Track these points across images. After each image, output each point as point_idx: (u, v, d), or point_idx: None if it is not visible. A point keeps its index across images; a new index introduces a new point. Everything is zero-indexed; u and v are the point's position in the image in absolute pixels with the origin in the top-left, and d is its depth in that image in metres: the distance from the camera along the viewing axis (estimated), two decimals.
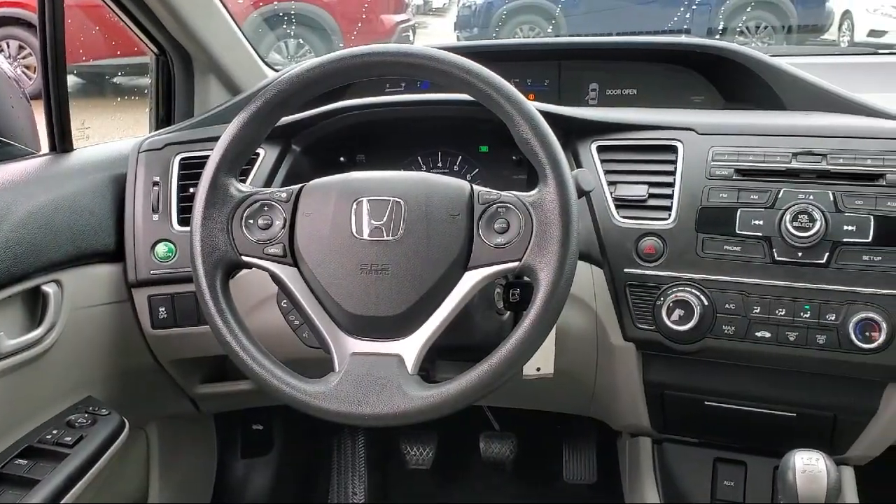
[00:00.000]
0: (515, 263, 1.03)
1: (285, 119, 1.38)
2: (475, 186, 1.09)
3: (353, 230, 1.06)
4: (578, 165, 1.35)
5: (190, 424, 1.83)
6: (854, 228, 1.18)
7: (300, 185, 1.12)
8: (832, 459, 1.13)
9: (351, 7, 6.26)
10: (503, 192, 1.07)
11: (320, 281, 1.06)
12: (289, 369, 1.06)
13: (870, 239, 1.17)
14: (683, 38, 1.63)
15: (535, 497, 2.04)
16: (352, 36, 5.87)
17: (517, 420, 2.01)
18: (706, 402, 1.35)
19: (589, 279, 1.32)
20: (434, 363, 1.31)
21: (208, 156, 1.10)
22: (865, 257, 1.18)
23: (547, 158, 1.03)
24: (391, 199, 1.07)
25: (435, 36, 9.06)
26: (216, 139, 1.11)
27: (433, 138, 1.52)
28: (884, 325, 1.16)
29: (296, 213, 1.10)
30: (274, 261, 1.09)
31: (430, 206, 1.06)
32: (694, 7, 6.03)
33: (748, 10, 6.63)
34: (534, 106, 1.06)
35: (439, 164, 1.53)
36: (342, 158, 1.54)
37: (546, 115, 1.11)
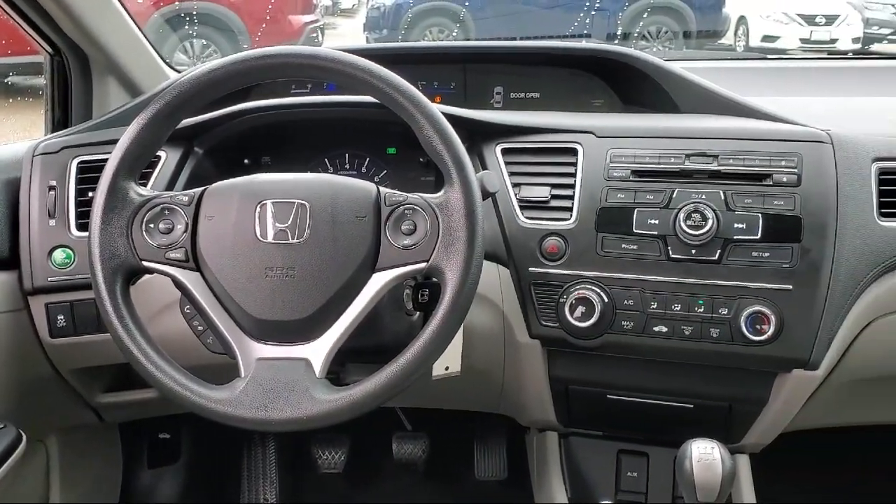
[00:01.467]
0: (423, 265, 1.04)
1: (187, 121, 1.35)
2: (381, 188, 1.09)
3: (257, 233, 1.05)
4: (484, 167, 1.37)
5: (93, 435, 1.78)
6: (744, 226, 1.24)
7: (202, 188, 1.11)
8: (727, 448, 1.18)
9: (258, 7, 6.17)
10: (409, 194, 1.08)
11: (224, 285, 1.05)
12: (193, 376, 1.05)
13: (758, 236, 1.23)
14: (583, 44, 1.68)
15: (446, 496, 2.06)
16: (258, 37, 5.78)
17: (429, 420, 2.02)
18: (608, 396, 1.39)
19: (496, 279, 1.34)
20: (344, 366, 1.32)
21: (107, 159, 1.08)
22: (754, 253, 1.24)
23: (452, 161, 1.05)
24: (296, 201, 1.06)
25: (344, 37, 9.01)
26: (115, 142, 1.08)
27: (340, 140, 1.52)
28: (772, 318, 1.22)
29: (198, 216, 1.08)
30: (176, 266, 1.07)
31: (336, 209, 1.06)
32: (593, 13, 6.18)
33: (644, 16, 6.83)
34: (438, 108, 1.08)
35: (347, 166, 1.53)
36: (247, 161, 1.52)
37: (451, 117, 1.13)
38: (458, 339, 1.29)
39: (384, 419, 2.00)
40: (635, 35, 7.05)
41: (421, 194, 1.08)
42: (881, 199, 1.28)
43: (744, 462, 1.43)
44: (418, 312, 1.24)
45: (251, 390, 1.02)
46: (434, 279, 1.08)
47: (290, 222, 1.06)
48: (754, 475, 1.44)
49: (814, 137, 1.29)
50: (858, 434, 1.66)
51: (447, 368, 1.32)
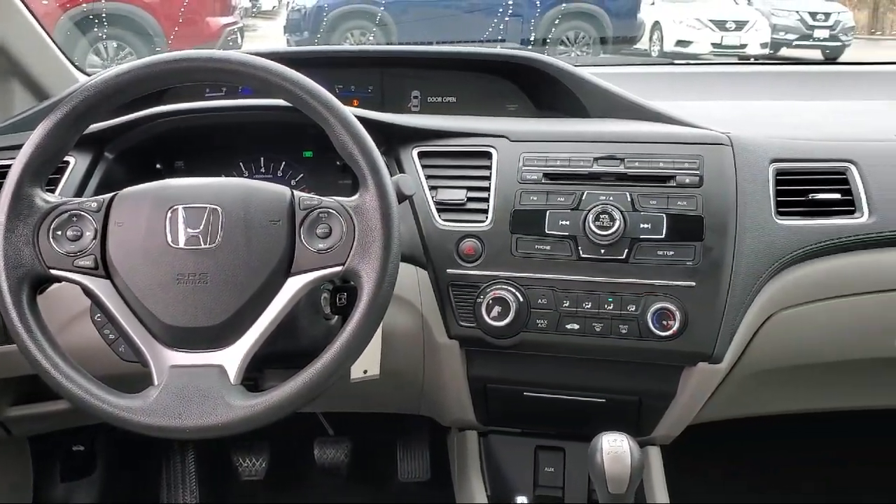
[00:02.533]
0: (339, 268, 1.05)
1: (96, 125, 1.33)
2: (296, 192, 1.10)
3: (169, 239, 1.04)
4: (401, 170, 1.39)
5: (1, 450, 1.72)
6: (649, 226, 1.28)
7: (112, 194, 1.09)
8: (636, 440, 1.22)
9: (174, 9, 6.04)
10: (324, 198, 1.09)
11: (135, 293, 1.04)
12: (104, 385, 1.03)
13: (663, 235, 1.28)
14: (496, 50, 1.71)
15: (368, 499, 2.06)
16: (174, 39, 5.66)
17: (351, 424, 2.02)
18: (525, 393, 1.42)
19: (414, 280, 1.36)
20: (262, 372, 1.31)
21: (10, 165, 1.05)
22: (660, 252, 1.28)
23: (366, 164, 1.06)
24: (208, 206, 1.06)
25: (265, 39, 8.90)
26: (20, 147, 1.05)
27: (255, 144, 1.51)
28: (677, 314, 1.26)
29: (107, 223, 1.06)
30: (85, 273, 1.05)
31: (249, 213, 1.06)
32: (507, 19, 6.27)
33: (556, 22, 6.96)
34: (353, 112, 1.09)
35: (262, 170, 1.53)
36: (159, 165, 1.49)
37: (367, 121, 1.14)
38: (376, 341, 1.30)
39: (305, 424, 1.99)
40: (554, 40, 7.18)
41: (336, 198, 1.09)
42: (778, 199, 1.34)
43: (655, 454, 1.48)
44: (336, 316, 1.24)
45: (165, 398, 1.01)
46: (351, 282, 1.09)
47: (201, 227, 1.05)
48: (665, 467, 1.50)
49: (714, 140, 1.34)
50: (764, 424, 1.74)
51: (366, 371, 1.32)
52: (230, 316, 1.04)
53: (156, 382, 1.03)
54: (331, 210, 1.07)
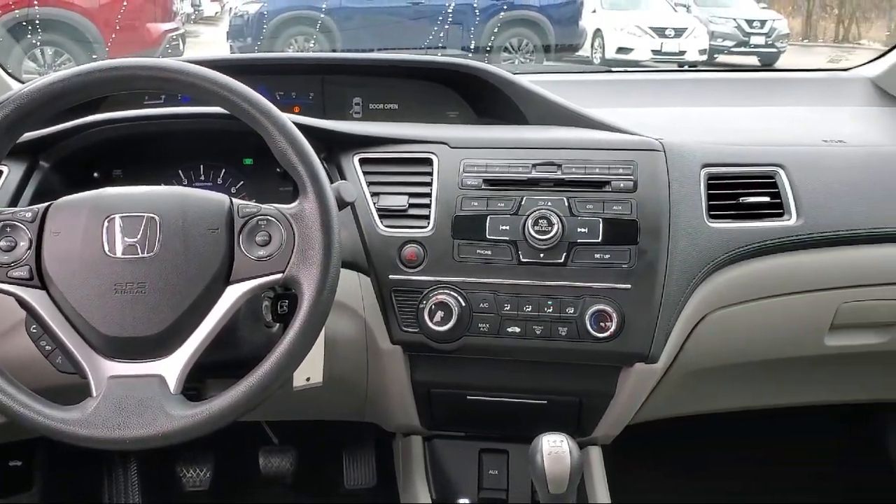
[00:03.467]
0: (278, 275, 1.05)
1: (31, 134, 1.31)
2: (234, 200, 1.10)
3: (106, 248, 1.03)
4: (342, 177, 1.39)
5: None
6: (586, 230, 1.31)
7: (47, 204, 1.07)
8: (576, 441, 1.24)
9: (113, 15, 5.93)
10: (263, 205, 1.09)
11: (71, 303, 1.02)
12: (40, 398, 1.02)
13: (599, 239, 1.31)
14: (437, 57, 1.72)
15: None
16: (114, 45, 5.55)
17: (296, 432, 2.01)
18: (468, 397, 1.43)
19: (356, 287, 1.36)
20: (204, 382, 1.30)
21: None
22: (597, 255, 1.31)
23: (305, 171, 1.06)
24: (145, 214, 1.05)
25: (207, 45, 8.80)
26: None
27: (195, 152, 1.50)
28: (614, 316, 1.29)
29: (43, 232, 1.05)
30: (19, 284, 1.04)
31: (187, 221, 1.06)
32: (447, 26, 6.31)
33: (496, 29, 7.03)
34: (292, 119, 1.09)
35: (202, 178, 1.52)
36: (97, 174, 1.47)
37: (307, 128, 1.14)
38: (318, 348, 1.30)
39: (250, 434, 1.98)
40: (497, 47, 7.25)
41: (275, 205, 1.09)
42: (710, 203, 1.38)
43: (595, 454, 1.51)
44: (278, 324, 1.24)
45: (103, 409, 1.00)
46: (291, 290, 1.09)
47: (139, 236, 1.04)
48: (607, 467, 1.52)
49: (647, 146, 1.38)
50: (703, 422, 1.78)
51: (308, 379, 1.32)
52: (169, 325, 1.03)
53: (94, 394, 1.02)
54: (270, 217, 1.07)
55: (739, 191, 1.41)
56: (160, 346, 1.04)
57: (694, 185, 1.38)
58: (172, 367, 1.04)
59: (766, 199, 1.41)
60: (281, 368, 1.03)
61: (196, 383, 1.27)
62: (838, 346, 1.52)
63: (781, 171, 1.43)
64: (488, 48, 6.98)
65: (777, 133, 1.61)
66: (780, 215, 1.40)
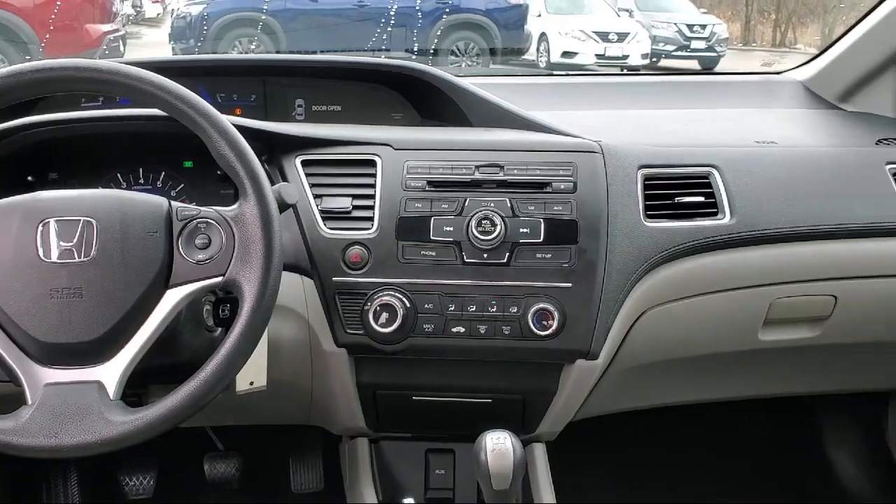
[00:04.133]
0: (219, 278, 1.05)
1: None
2: (173, 202, 1.09)
3: (40, 253, 1.02)
4: (284, 180, 1.39)
5: None
6: (528, 231, 1.33)
7: None
8: (519, 438, 1.26)
9: (49, 14, 5.80)
10: (203, 208, 1.08)
11: (4, 309, 1.00)
12: None
13: (541, 239, 1.33)
14: (380, 59, 1.73)
15: None
16: (51, 47, 5.43)
17: (242, 437, 2.00)
18: (414, 398, 1.44)
19: (299, 289, 1.36)
20: (147, 388, 1.29)
21: None
22: (538, 255, 1.33)
23: (245, 173, 1.06)
24: (81, 218, 1.04)
25: (149, 47, 8.67)
26: None
27: (133, 154, 1.48)
28: (556, 314, 1.31)
29: None
30: None
31: (125, 225, 1.05)
32: (389, 28, 6.32)
33: (439, 32, 7.06)
34: (232, 121, 1.09)
35: (141, 181, 1.49)
36: (31, 178, 1.44)
37: (247, 129, 1.13)
38: (261, 352, 1.30)
39: (194, 440, 1.95)
40: (444, 50, 7.28)
41: (215, 207, 1.08)
42: (646, 203, 1.42)
43: (539, 450, 1.52)
44: (220, 328, 1.24)
45: (39, 417, 0.98)
46: (232, 293, 1.08)
47: (75, 240, 1.03)
48: (553, 463, 1.55)
49: (586, 148, 1.40)
50: (645, 417, 1.82)
51: (252, 383, 1.31)
52: (107, 330, 1.02)
53: (29, 401, 1.00)
54: (210, 220, 1.06)
55: (675, 191, 1.44)
56: (98, 351, 1.02)
57: (631, 186, 1.41)
58: (111, 372, 1.02)
59: (701, 198, 1.45)
60: (222, 372, 1.02)
61: (138, 389, 1.26)
62: (772, 341, 1.56)
63: (715, 172, 1.47)
64: (434, 51, 7.01)
65: (711, 135, 1.66)
66: (714, 214, 1.44)
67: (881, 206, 1.51)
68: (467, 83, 1.60)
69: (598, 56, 9.05)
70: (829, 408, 2.13)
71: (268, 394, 1.34)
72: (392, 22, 6.34)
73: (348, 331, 1.34)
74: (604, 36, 9.18)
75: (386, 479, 1.53)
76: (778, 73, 2.09)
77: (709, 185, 1.46)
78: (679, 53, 10.01)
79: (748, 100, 1.96)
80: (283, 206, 1.12)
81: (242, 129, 1.09)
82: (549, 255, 1.33)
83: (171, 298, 1.04)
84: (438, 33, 7.09)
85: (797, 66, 2.03)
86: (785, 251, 1.47)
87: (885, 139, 1.64)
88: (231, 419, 1.65)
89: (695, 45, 10.08)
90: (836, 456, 2.11)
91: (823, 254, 1.49)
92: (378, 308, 1.31)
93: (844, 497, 2.08)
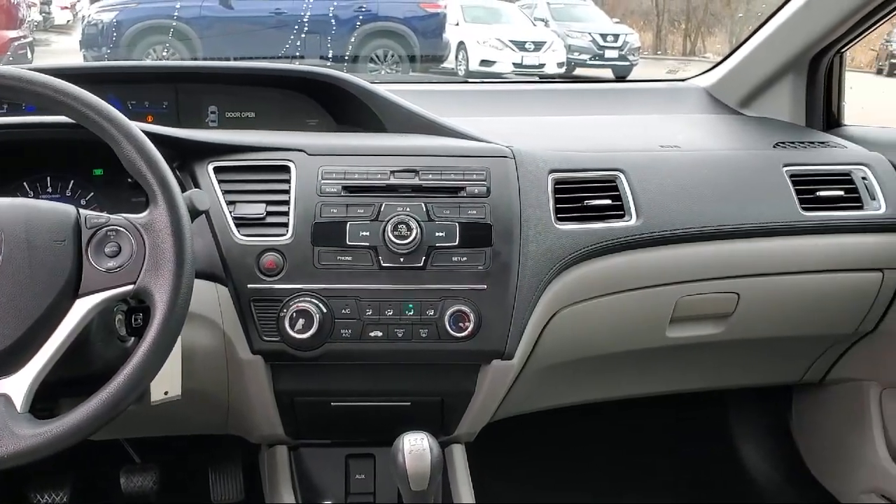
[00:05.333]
0: (129, 287, 1.03)
1: None
2: (82, 210, 1.07)
3: None
4: (196, 187, 1.37)
5: None
6: (443, 234, 1.35)
7: None
8: (438, 440, 1.27)
9: None
10: (112, 216, 1.07)
11: None
12: None
13: (456, 243, 1.35)
14: (293, 65, 1.73)
15: None
16: None
17: (160, 449, 1.95)
18: (332, 403, 1.44)
19: (213, 297, 1.35)
20: (58, 400, 1.25)
21: None
22: (454, 258, 1.35)
23: (155, 180, 1.05)
24: None
25: (59, 55, 8.40)
26: None
27: (41, 162, 1.44)
28: (472, 316, 1.34)
29: None
30: None
31: (31, 233, 1.02)
32: (304, 35, 6.29)
33: (353, 39, 7.06)
34: (141, 127, 1.07)
35: (49, 190, 1.46)
36: None
37: (157, 136, 1.12)
38: (175, 361, 1.28)
39: (109, 453, 1.90)
40: (364, 57, 7.28)
41: (125, 215, 1.07)
42: (557, 206, 1.46)
43: (458, 451, 1.55)
44: (133, 338, 1.21)
45: None
46: (144, 301, 1.07)
47: None
48: (471, 464, 1.57)
49: (499, 153, 1.44)
50: (563, 416, 1.86)
51: (167, 393, 1.29)
52: (14, 341, 0.99)
53: None
54: (119, 228, 1.05)
55: (584, 194, 1.49)
56: (4, 363, 0.99)
57: (542, 190, 1.45)
58: (18, 384, 1.00)
59: (609, 201, 1.50)
60: (134, 382, 1.01)
61: (49, 402, 1.23)
62: (679, 338, 1.63)
63: (622, 176, 1.53)
64: (354, 58, 6.99)
65: (619, 140, 1.71)
66: (622, 216, 1.49)
67: (779, 206, 1.59)
68: (382, 90, 1.61)
69: (516, 65, 9.20)
70: (735, 402, 2.22)
71: (183, 403, 1.32)
72: (306, 29, 6.30)
73: (264, 338, 1.34)
74: (520, 45, 9.33)
75: (306, 487, 1.52)
76: (683, 80, 2.18)
77: (616, 189, 1.52)
78: (593, 62, 10.26)
79: (655, 106, 2.03)
80: (195, 212, 1.11)
81: (152, 136, 1.08)
82: (464, 258, 1.35)
83: (81, 308, 1.02)
84: (352, 40, 7.09)
85: (700, 74, 2.12)
86: (689, 251, 1.53)
87: (782, 142, 1.72)
88: (147, 430, 1.61)
89: (608, 54, 10.35)
90: (744, 448, 2.20)
91: (726, 253, 1.56)
92: (294, 314, 1.31)
93: (753, 488, 2.17)
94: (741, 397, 2.20)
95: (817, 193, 1.61)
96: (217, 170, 1.38)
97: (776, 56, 1.88)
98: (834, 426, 1.99)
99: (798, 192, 1.60)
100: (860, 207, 1.63)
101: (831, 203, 1.62)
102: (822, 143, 1.76)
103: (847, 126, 1.91)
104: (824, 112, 1.91)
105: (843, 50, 1.84)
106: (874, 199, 1.64)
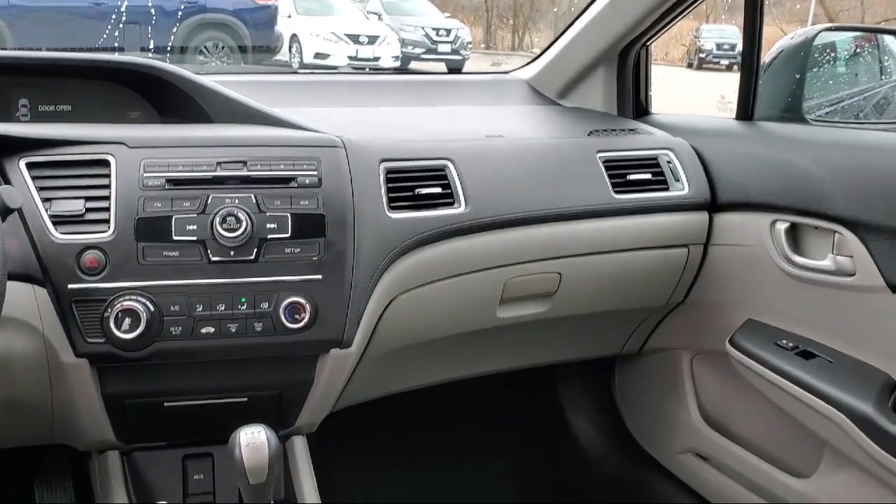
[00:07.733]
0: None
1: None
2: None
3: None
4: (7, 183, 1.29)
5: None
6: (275, 226, 1.34)
7: None
8: (278, 433, 1.27)
9: None
10: None
11: None
12: None
13: (289, 234, 1.35)
14: (111, 56, 1.65)
15: None
16: None
17: None
18: (166, 404, 1.40)
19: (30, 299, 1.27)
20: None
21: None
22: (287, 250, 1.35)
23: None
24: None
25: None
26: None
27: None
28: (307, 306, 1.34)
29: None
30: None
31: None
32: (121, 26, 6.03)
33: (176, 30, 6.85)
34: None
35: None
36: None
37: None
38: None
39: None
40: (192, 49, 7.05)
41: None
42: (389, 195, 1.49)
43: (300, 443, 1.55)
44: None
45: None
46: None
47: None
48: (314, 454, 1.57)
49: (329, 143, 1.45)
50: (403, 401, 1.90)
51: None
52: None
53: None
54: None
55: (415, 183, 1.53)
56: None
57: (374, 179, 1.48)
58: None
59: (439, 189, 1.54)
60: None
61: None
62: (509, 318, 1.71)
63: (450, 164, 1.58)
64: (182, 49, 6.75)
65: (448, 130, 1.77)
66: (452, 204, 1.55)
67: (594, 190, 1.70)
68: (206, 80, 1.58)
69: (351, 58, 9.20)
70: (563, 376, 2.35)
71: (1, 414, 1.25)
72: (123, 19, 6.01)
73: (88, 340, 1.28)
74: (355, 38, 9.34)
75: (141, 492, 1.47)
76: (506, 72, 2.27)
77: (445, 177, 1.56)
78: (428, 56, 10.43)
79: (482, 98, 2.11)
80: (5, 210, 1.06)
81: None
82: (297, 249, 1.35)
83: None
84: (175, 31, 6.84)
85: (522, 66, 2.21)
86: (516, 235, 1.61)
87: (596, 130, 1.84)
88: None
89: (441, 48, 10.56)
90: (573, 419, 2.33)
91: (549, 235, 1.64)
92: (119, 314, 1.26)
93: (584, 456, 2.30)
94: (569, 371, 2.32)
95: (628, 177, 1.73)
96: (30, 165, 1.31)
97: (588, 49, 2.00)
98: (652, 393, 2.15)
99: (611, 176, 1.72)
100: (666, 189, 1.77)
101: (640, 185, 1.74)
102: (632, 130, 1.89)
103: (654, 114, 2.05)
104: (633, 101, 2.05)
105: (647, 43, 1.98)
106: (678, 180, 1.78)
